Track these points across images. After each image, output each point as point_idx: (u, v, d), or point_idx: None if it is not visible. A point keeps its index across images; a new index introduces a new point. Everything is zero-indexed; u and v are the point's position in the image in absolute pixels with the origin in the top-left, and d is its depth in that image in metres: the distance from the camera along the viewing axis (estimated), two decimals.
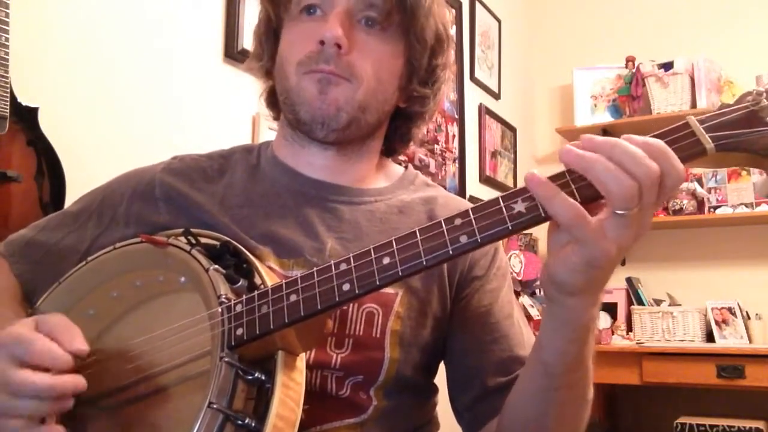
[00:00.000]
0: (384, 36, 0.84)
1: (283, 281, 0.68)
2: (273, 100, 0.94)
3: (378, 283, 0.63)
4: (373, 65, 0.83)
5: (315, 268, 0.67)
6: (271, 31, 0.90)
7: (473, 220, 0.61)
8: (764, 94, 0.60)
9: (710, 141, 0.59)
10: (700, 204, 3.20)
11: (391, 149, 0.97)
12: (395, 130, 0.94)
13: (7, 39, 1.17)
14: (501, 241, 0.93)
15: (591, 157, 0.57)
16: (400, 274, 0.62)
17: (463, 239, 0.60)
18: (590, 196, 0.58)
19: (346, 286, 0.64)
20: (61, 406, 0.66)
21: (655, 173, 0.56)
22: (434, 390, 0.92)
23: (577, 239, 0.57)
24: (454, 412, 0.90)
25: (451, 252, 0.61)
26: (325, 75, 0.81)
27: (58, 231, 0.91)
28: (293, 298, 0.65)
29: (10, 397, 0.64)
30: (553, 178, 0.59)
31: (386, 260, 0.63)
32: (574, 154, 0.58)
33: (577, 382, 0.72)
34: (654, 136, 0.59)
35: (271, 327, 0.65)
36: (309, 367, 0.77)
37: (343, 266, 0.65)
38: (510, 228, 0.59)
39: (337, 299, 0.64)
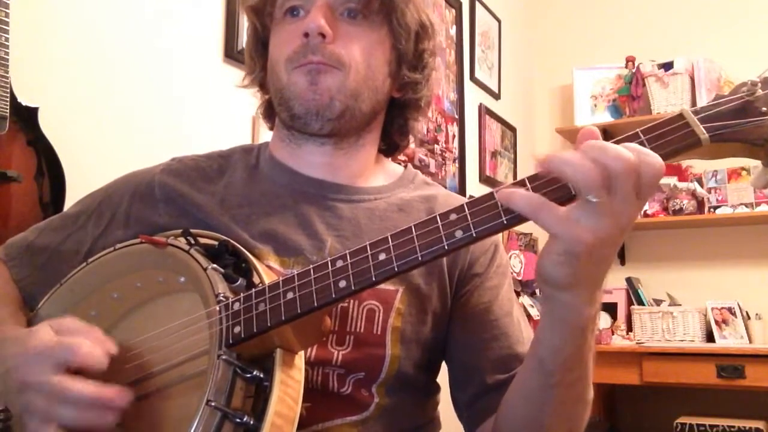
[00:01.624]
0: (367, 24, 0.85)
1: (280, 278, 0.68)
2: (269, 113, 0.96)
3: (374, 279, 0.63)
4: (361, 52, 0.84)
5: (311, 265, 0.67)
6: (259, 43, 0.92)
7: (468, 215, 0.61)
8: (759, 85, 0.60)
9: (705, 132, 0.59)
10: (700, 204, 3.20)
11: (392, 145, 0.97)
12: (392, 122, 0.94)
13: (7, 39, 1.17)
14: (501, 239, 0.94)
15: (549, 155, 0.57)
16: (396, 269, 0.62)
17: (459, 234, 0.60)
18: (564, 195, 0.58)
19: (342, 283, 0.64)
20: (101, 419, 0.62)
21: (624, 158, 0.55)
22: (436, 389, 0.92)
23: (547, 229, 0.57)
24: (455, 409, 0.90)
25: (446, 247, 0.61)
26: (314, 66, 0.82)
27: (58, 233, 0.91)
28: (290, 295, 0.65)
29: (51, 402, 0.62)
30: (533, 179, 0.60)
31: (382, 256, 0.63)
32: (539, 161, 0.58)
33: (574, 382, 0.71)
34: (649, 128, 0.60)
35: (269, 324, 0.65)
36: (310, 364, 0.77)
37: (340, 263, 0.65)
38: (505, 222, 0.60)
39: (333, 296, 0.64)
